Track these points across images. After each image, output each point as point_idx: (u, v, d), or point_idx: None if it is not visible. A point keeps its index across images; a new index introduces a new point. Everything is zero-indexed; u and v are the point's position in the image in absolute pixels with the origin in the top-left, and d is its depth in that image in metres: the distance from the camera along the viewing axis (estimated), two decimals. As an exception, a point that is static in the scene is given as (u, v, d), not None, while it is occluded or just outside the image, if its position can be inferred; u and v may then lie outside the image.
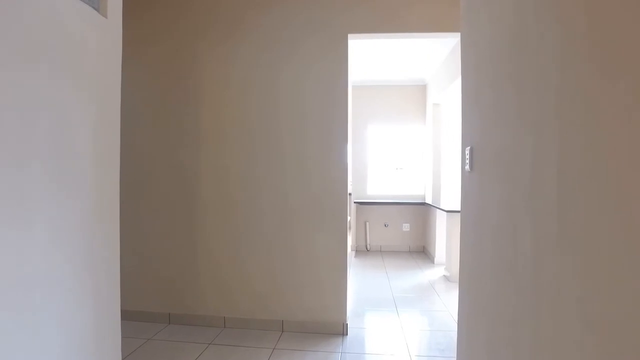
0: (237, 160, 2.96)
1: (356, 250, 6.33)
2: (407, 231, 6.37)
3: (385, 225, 6.40)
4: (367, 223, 6.37)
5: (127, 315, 3.01)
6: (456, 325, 3.07)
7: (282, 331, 2.90)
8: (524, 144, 1.15)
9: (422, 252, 6.27)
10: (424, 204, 6.12)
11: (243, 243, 2.96)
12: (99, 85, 1.62)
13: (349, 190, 3.75)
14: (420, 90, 6.33)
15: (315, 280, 2.90)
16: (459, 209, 4.45)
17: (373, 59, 5.14)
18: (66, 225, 1.44)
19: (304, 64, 2.91)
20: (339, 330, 2.86)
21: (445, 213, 4.73)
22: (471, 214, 1.71)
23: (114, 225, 1.75)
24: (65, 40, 1.42)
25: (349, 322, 2.97)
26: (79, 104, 1.50)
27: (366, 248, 6.38)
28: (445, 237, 4.75)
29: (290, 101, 2.93)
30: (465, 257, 1.82)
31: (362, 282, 4.46)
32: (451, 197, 5.32)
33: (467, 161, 1.71)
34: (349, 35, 2.86)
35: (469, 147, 1.71)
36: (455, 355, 2.03)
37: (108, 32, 1.68)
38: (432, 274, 4.87)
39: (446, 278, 4.57)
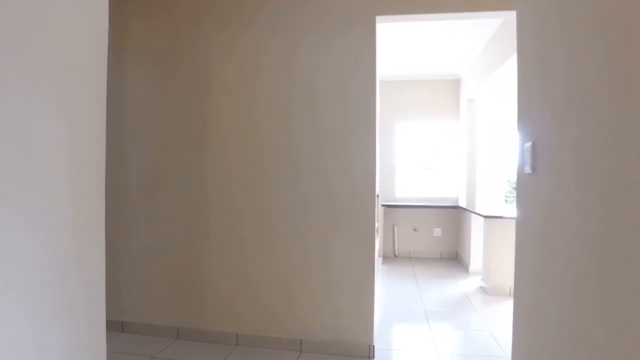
0: (247, 162, 2.68)
1: (383, 256, 5.96)
2: (439, 236, 5.94)
3: (414, 230, 6.00)
4: (396, 227, 5.99)
5: (133, 328, 2.80)
6: (500, 349, 2.69)
7: (301, 352, 2.59)
8: (616, 137, 0.79)
9: (454, 259, 5.83)
10: (457, 207, 5.68)
11: (256, 253, 2.68)
12: (76, 72, 1.36)
13: (376, 192, 3.41)
14: (453, 85, 5.90)
15: (338, 295, 2.58)
16: (499, 214, 4.03)
17: (401, 52, 4.77)
18: (40, 234, 1.19)
19: (325, 51, 2.60)
20: (365, 352, 2.53)
21: (482, 218, 4.30)
22: (533, 225, 1.35)
23: (98, 232, 1.49)
24: (30, 17, 1.17)
25: (375, 342, 2.63)
26: (50, 92, 1.25)
27: (394, 254, 6.00)
28: (482, 245, 4.32)
29: (309, 94, 2.62)
30: (523, 277, 1.46)
31: (390, 292, 4.10)
32: (488, 200, 4.88)
33: (528, 161, 1.35)
34: (377, 18, 2.52)
35: (529, 144, 1.35)
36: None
37: (90, 9, 1.43)
38: (467, 284, 4.45)
39: (483, 290, 4.14)
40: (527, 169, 1.36)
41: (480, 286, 4.27)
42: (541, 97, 1.29)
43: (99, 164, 1.50)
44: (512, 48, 3.39)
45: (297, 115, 2.64)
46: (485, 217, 4.00)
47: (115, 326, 2.83)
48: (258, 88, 2.69)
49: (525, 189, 1.44)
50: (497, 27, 3.91)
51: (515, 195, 1.57)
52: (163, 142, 2.82)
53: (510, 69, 3.79)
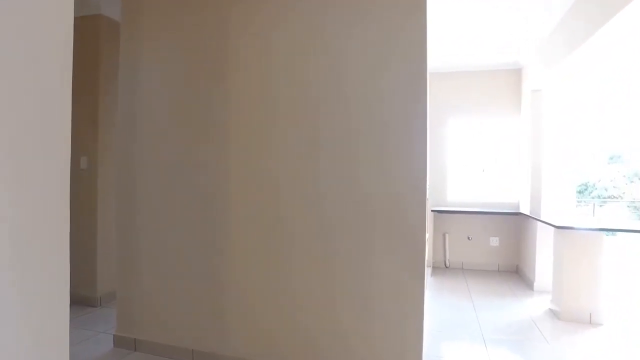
0: (275, 163, 2.32)
1: (433, 267, 5.40)
2: (496, 246, 5.28)
3: (468, 239, 5.38)
4: (447, 235, 5.40)
5: (146, 347, 2.54)
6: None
7: (333, 387, 2.19)
8: None
9: (514, 272, 5.14)
10: (518, 214, 4.99)
11: (282, 269, 2.31)
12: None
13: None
14: (514, 75, 5.22)
15: (378, 323, 2.14)
16: (574, 224, 3.35)
17: (452, 41, 4.22)
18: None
19: (365, 32, 2.18)
20: (411, 392, 2.07)
21: (550, 228, 3.65)
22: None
23: (61, 237, 1.18)
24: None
25: (424, 379, 2.16)
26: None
27: (445, 264, 5.42)
28: (553, 260, 3.67)
29: (343, 83, 2.22)
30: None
31: (440, 311, 3.58)
32: (557, 207, 4.19)
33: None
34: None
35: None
36: None
37: None
38: (532, 305, 3.81)
39: (554, 314, 3.50)
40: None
41: (550, 309, 3.62)
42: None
43: (62, 156, 1.18)
44: (593, 24, 2.77)
45: (328, 106, 2.24)
46: (558, 227, 3.36)
47: (128, 343, 2.58)
48: (276, 72, 2.33)
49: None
50: (573, 2, 3.27)
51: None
52: (176, 138, 2.54)
53: (588, 50, 3.15)
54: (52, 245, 1.13)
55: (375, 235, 2.15)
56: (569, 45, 3.35)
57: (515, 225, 5.19)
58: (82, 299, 3.53)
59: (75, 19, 3.60)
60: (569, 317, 3.33)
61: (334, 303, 2.22)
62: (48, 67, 1.13)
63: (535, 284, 4.29)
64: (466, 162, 5.51)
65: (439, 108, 5.43)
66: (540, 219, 3.90)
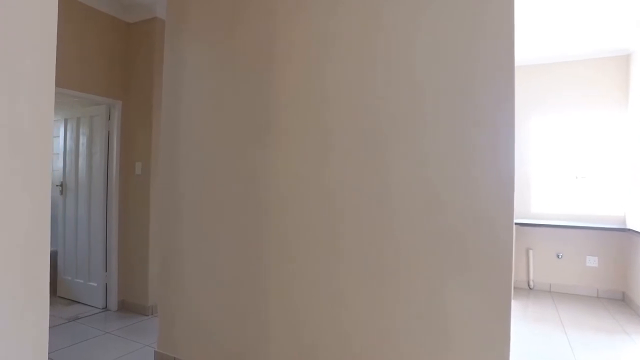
0: (331, 169, 1.98)
1: (514, 288, 4.68)
2: (594, 267, 4.42)
3: (557, 257, 4.58)
4: (531, 252, 4.66)
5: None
6: None
7: None
8: None
9: (620, 300, 4.25)
10: (625, 230, 4.12)
11: (337, 286, 1.95)
12: None
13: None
14: (620, 62, 4.36)
15: (453, 354, 1.70)
16: None
17: (541, 26, 3.57)
18: None
19: (437, 18, 1.76)
20: None
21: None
22: None
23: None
24: None
25: None
26: None
27: (528, 285, 4.67)
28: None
29: (411, 78, 1.81)
30: None
31: (526, 342, 2.96)
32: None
33: None
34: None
35: None
36: None
37: None
38: (651, 346, 3.03)
39: (684, 361, 2.72)
40: None
41: (678, 354, 2.84)
42: None
43: (42, 157, 0.95)
44: None
45: (394, 105, 1.85)
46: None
47: (166, 364, 2.40)
48: (329, 63, 1.98)
49: None
50: None
51: None
52: (221, 144, 2.30)
53: None
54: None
55: (452, 249, 1.71)
56: None
57: (620, 243, 4.31)
58: (134, 307, 3.48)
59: (130, 24, 3.57)
60: None
61: (399, 326, 1.81)
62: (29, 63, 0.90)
63: (652, 318, 3.46)
64: (555, 168, 4.71)
65: (520, 106, 4.74)
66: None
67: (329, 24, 2.00)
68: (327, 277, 1.97)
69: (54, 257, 4.06)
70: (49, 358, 2.62)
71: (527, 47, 4.20)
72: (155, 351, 2.54)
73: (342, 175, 1.95)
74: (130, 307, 3.50)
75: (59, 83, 3.12)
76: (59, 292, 3.92)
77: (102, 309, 3.56)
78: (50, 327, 3.17)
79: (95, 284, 3.59)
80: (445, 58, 1.74)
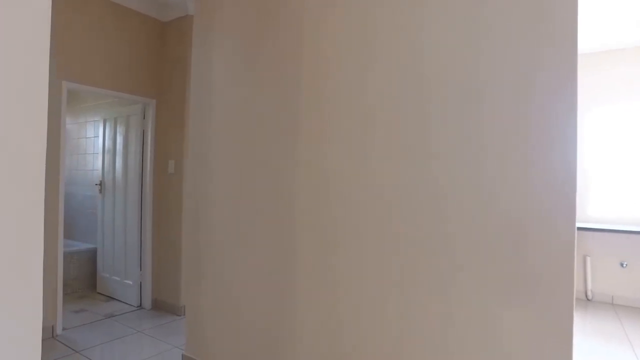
0: (371, 172, 1.81)
1: (568, 298, 4.26)
2: (666, 278, 3.93)
3: (621, 265, 4.12)
4: (589, 259, 4.22)
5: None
6: None
7: None
8: None
9: (698, 316, 3.74)
10: (703, 236, 3.62)
11: (376, 296, 1.77)
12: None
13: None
14: (693, 48, 3.86)
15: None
16: None
17: (598, 11, 3.21)
18: None
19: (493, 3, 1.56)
20: None
21: None
22: None
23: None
24: None
25: None
26: None
27: (586, 296, 4.24)
28: None
29: (461, 70, 1.61)
30: None
31: (587, 367, 2.63)
32: None
33: None
34: None
35: None
36: None
37: None
38: None
39: None
40: None
41: None
42: None
43: (38, 156, 0.86)
44: None
45: (443, 100, 1.65)
46: None
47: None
48: (372, 62, 1.81)
49: None
50: None
51: None
52: (250, 143, 2.19)
53: None
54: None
55: (509, 254, 1.49)
56: None
57: (697, 251, 3.80)
58: (166, 307, 3.46)
59: (165, 23, 3.57)
60: None
61: (451, 339, 1.60)
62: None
63: None
64: (616, 167, 4.25)
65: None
66: None
67: (368, 15, 1.83)
68: (370, 281, 1.80)
69: (93, 254, 4.15)
70: (82, 354, 2.63)
71: (585, 34, 3.82)
72: (182, 354, 2.47)
73: (379, 182, 1.77)
74: (163, 306, 3.48)
75: (97, 84, 3.17)
76: (98, 289, 4.00)
77: (137, 307, 3.57)
78: (87, 323, 3.21)
79: (131, 282, 3.62)
80: (504, 47, 1.52)
